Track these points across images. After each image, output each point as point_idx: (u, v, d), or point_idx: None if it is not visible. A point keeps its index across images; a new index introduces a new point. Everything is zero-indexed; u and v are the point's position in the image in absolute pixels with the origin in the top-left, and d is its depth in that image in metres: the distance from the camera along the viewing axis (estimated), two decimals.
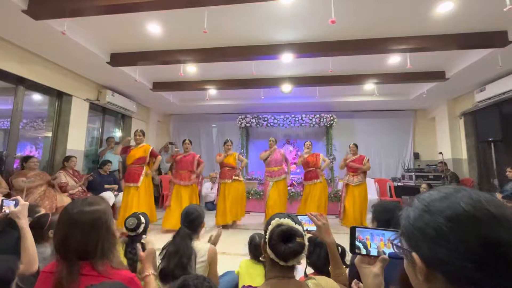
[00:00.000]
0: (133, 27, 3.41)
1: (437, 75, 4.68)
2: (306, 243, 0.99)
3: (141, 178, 4.14)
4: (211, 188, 6.49)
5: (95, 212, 0.95)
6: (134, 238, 1.80)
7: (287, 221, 1.01)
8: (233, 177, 4.59)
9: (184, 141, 4.66)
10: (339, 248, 1.35)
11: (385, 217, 1.35)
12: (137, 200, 4.02)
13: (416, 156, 6.94)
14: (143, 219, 1.88)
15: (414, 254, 0.51)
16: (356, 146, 4.92)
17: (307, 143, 5.04)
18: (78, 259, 0.91)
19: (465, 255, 0.44)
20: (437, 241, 0.47)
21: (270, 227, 1.02)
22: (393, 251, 0.58)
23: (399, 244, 0.56)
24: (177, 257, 1.56)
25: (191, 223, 1.75)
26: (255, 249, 1.79)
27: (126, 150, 4.40)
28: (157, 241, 2.20)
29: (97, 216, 0.95)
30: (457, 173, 5.60)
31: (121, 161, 5.69)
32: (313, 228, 1.17)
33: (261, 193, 5.96)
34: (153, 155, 4.35)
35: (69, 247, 0.91)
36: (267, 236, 1.01)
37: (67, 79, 4.46)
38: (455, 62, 4.33)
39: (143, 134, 4.38)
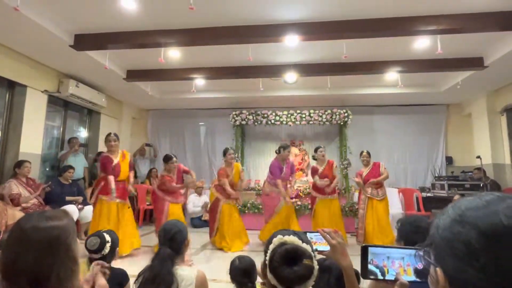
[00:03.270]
0: (103, 2, 3.39)
1: (474, 62, 4.72)
2: (316, 266, 0.99)
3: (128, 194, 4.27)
4: (201, 205, 6.45)
5: (53, 229, 0.93)
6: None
7: (292, 239, 1.01)
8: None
9: (170, 159, 4.54)
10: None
11: (417, 239, 1.33)
12: (128, 221, 4.09)
13: (449, 160, 6.98)
14: (108, 238, 1.87)
15: (438, 270, 0.52)
16: (369, 154, 4.95)
17: (320, 150, 4.97)
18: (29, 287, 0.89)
19: (497, 280, 0.45)
20: (466, 259, 0.48)
21: (271, 246, 1.02)
22: (419, 261, 0.59)
23: (425, 255, 0.57)
24: (155, 286, 1.54)
25: (172, 240, 1.74)
26: (236, 274, 1.79)
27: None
28: (132, 266, 2.18)
29: (55, 235, 0.92)
30: (498, 182, 5.63)
31: (87, 167, 5.65)
32: (325, 247, 1.17)
33: (260, 206, 5.92)
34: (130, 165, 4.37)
35: (18, 272, 0.89)
36: (267, 258, 1.00)
37: (21, 66, 4.43)
38: (495, 47, 4.37)
39: (118, 139, 4.26)
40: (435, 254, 0.54)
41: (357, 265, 1.25)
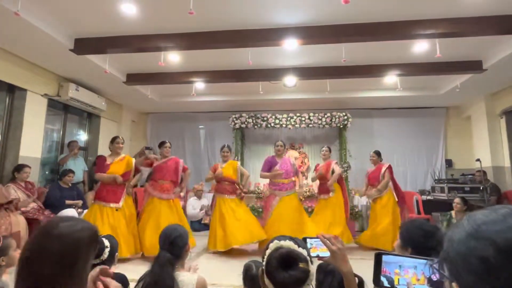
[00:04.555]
0: (103, 6, 3.41)
1: (473, 66, 4.73)
2: (311, 270, 1.00)
3: (123, 197, 4.05)
4: (200, 207, 6.44)
5: (71, 236, 0.90)
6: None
7: (287, 244, 1.02)
8: (237, 195, 4.56)
9: (163, 144, 4.53)
10: (357, 278, 1.34)
11: (425, 243, 1.32)
12: (120, 225, 3.89)
13: (449, 163, 6.97)
14: (106, 242, 1.86)
15: (454, 285, 0.51)
16: (377, 154, 4.99)
17: (324, 149, 5.04)
18: None
19: None
20: (484, 276, 0.46)
21: (268, 251, 1.03)
22: (433, 279, 0.58)
23: (439, 269, 0.56)
24: None
25: (173, 245, 1.74)
26: (251, 282, 1.77)
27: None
28: (132, 271, 2.17)
29: (69, 246, 0.88)
30: (498, 184, 5.63)
31: (86, 170, 5.65)
32: (325, 253, 1.17)
33: (260, 209, 5.90)
34: (137, 170, 4.33)
35: (27, 279, 0.88)
36: (264, 262, 1.02)
37: (21, 70, 4.44)
38: (494, 50, 4.39)
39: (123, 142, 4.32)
40: (450, 269, 0.53)
41: (357, 269, 1.25)
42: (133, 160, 4.25)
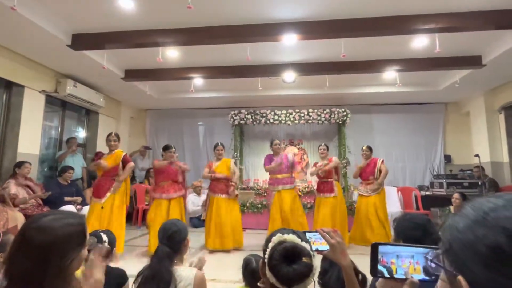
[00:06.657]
0: (100, 1, 3.38)
1: (472, 61, 4.72)
2: (314, 264, 1.00)
3: (108, 194, 3.96)
4: (200, 202, 6.46)
5: (53, 231, 0.89)
6: None
7: (291, 238, 1.01)
8: (230, 194, 4.53)
9: (169, 148, 4.42)
10: (360, 275, 1.35)
11: (415, 235, 1.35)
12: (99, 222, 3.84)
13: (448, 159, 6.99)
14: (105, 237, 1.89)
15: (460, 278, 0.47)
16: (369, 149, 4.99)
17: (321, 147, 5.01)
18: None
19: None
20: (494, 264, 0.44)
21: (270, 245, 1.02)
22: (429, 270, 0.57)
23: (438, 262, 0.53)
24: (154, 284, 1.53)
25: (171, 239, 1.75)
26: (251, 276, 1.77)
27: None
28: (131, 266, 2.17)
29: (51, 241, 0.86)
30: (496, 180, 5.65)
31: (85, 167, 5.64)
32: (324, 247, 1.17)
33: (259, 205, 5.96)
34: (125, 161, 4.14)
35: (12, 275, 0.87)
36: (266, 256, 1.01)
37: (18, 66, 4.41)
38: (493, 45, 4.37)
39: (118, 139, 4.21)
40: (454, 260, 0.49)
41: (356, 262, 1.25)
42: (122, 155, 4.13)
